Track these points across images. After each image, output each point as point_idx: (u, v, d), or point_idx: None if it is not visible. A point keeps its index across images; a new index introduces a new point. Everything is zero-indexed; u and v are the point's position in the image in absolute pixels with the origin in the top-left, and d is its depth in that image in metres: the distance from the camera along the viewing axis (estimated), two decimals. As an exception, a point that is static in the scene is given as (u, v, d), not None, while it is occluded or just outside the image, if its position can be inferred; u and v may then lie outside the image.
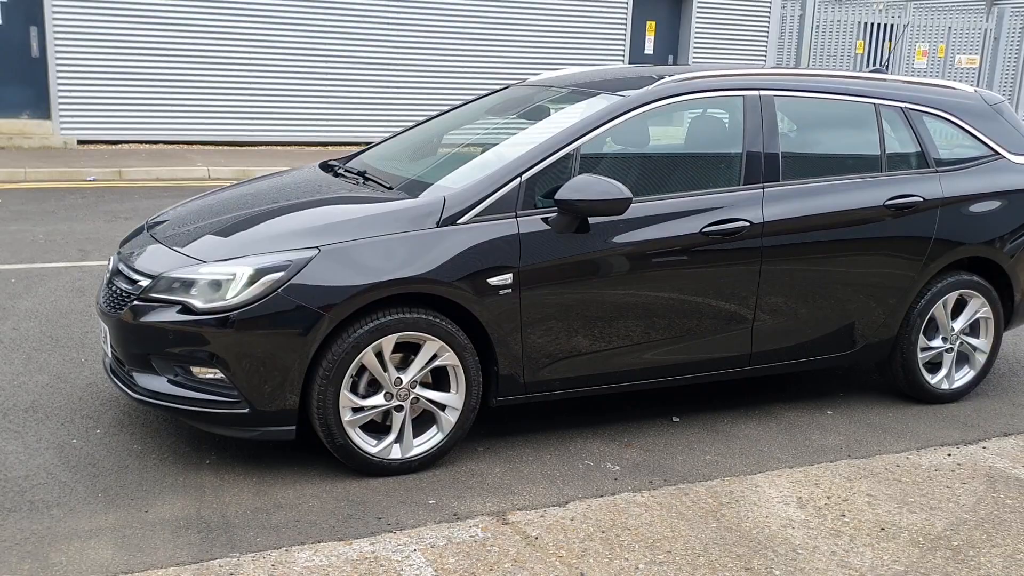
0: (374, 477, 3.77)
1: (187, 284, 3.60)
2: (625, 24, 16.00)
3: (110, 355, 3.95)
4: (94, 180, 10.97)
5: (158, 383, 3.70)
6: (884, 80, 4.91)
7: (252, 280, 3.53)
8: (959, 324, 4.87)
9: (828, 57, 18.33)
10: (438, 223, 3.78)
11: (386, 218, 3.77)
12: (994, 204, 4.85)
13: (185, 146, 13.33)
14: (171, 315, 3.59)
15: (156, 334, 3.62)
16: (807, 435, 4.44)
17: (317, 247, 3.61)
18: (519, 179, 3.92)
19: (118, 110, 12.97)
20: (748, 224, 4.23)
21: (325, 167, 4.75)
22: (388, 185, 4.19)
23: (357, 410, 3.70)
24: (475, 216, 3.83)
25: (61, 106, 12.71)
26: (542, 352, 3.95)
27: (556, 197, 3.85)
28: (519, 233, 3.85)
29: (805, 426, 4.54)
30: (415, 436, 3.84)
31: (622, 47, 16.08)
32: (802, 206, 4.38)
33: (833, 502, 3.74)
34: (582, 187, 3.83)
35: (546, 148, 4.01)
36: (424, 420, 3.88)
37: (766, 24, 17.06)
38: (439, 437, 3.87)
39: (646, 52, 16.64)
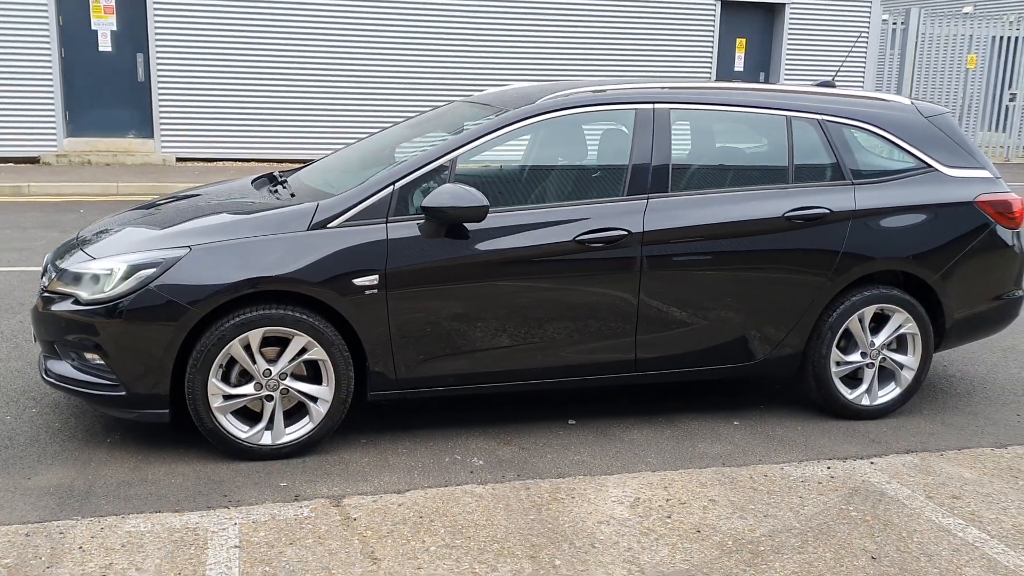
0: (245, 461, 4.09)
1: (78, 278, 4.04)
2: (712, 42, 15.93)
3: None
4: (178, 194, 11.84)
5: (64, 368, 4.14)
6: (801, 92, 4.90)
7: (127, 275, 3.93)
8: (880, 339, 4.79)
9: (935, 73, 17.65)
10: (308, 227, 4.08)
11: (260, 221, 4.11)
12: (918, 218, 4.76)
13: (274, 164, 14.16)
14: (67, 305, 4.03)
15: (57, 322, 4.08)
16: (695, 443, 4.48)
17: (189, 246, 3.99)
18: (392, 187, 4.19)
19: (213, 130, 13.94)
20: (626, 233, 4.34)
21: (269, 178, 5.12)
22: (292, 194, 4.53)
23: (229, 397, 4.04)
24: (345, 221, 4.12)
25: (162, 126, 13.77)
26: (413, 350, 4.19)
27: (421, 204, 4.10)
28: (387, 238, 4.11)
29: (700, 435, 4.58)
30: (288, 425, 4.15)
31: (709, 65, 16.01)
32: (689, 217, 4.45)
33: (669, 504, 3.81)
34: (442, 195, 4.06)
35: (421, 159, 4.27)
36: (300, 410, 4.19)
37: (864, 39, 16.60)
38: (310, 427, 4.16)
39: (736, 69, 16.51)
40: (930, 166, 4.90)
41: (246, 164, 14.06)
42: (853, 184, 4.73)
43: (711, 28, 15.89)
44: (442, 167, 4.27)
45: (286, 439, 4.14)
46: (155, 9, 13.43)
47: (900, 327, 4.80)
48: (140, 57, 13.64)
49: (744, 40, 16.45)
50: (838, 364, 4.77)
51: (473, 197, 4.05)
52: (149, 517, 3.57)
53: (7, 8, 12.99)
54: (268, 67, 14.00)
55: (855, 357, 4.80)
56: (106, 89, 13.63)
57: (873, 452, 4.44)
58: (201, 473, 3.98)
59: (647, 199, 4.43)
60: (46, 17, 13.10)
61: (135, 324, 3.91)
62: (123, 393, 3.99)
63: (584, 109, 4.52)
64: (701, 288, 4.48)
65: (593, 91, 4.59)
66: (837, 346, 4.76)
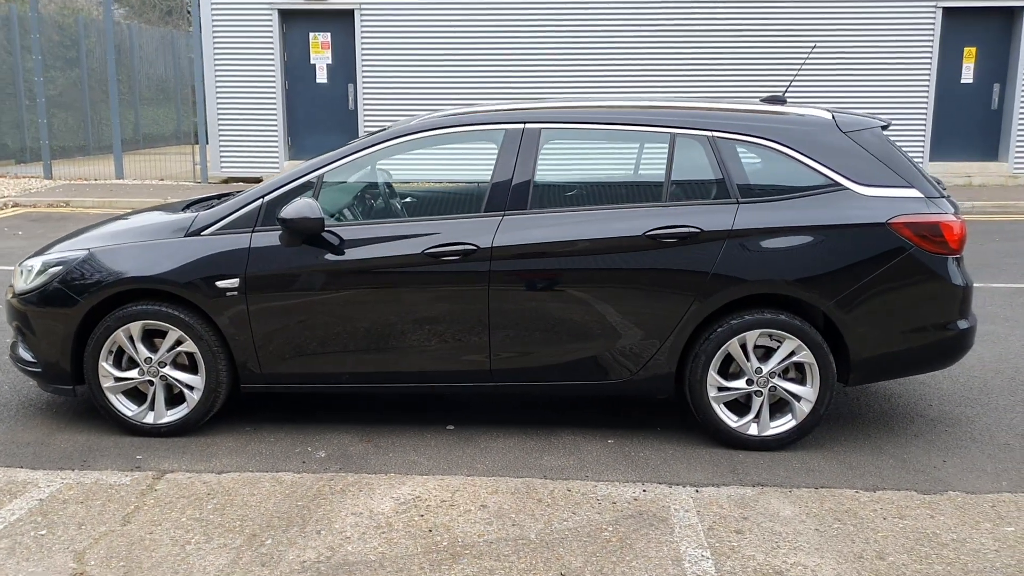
0: (132, 436, 4.75)
1: (17, 273, 4.92)
2: (931, 53, 14.74)
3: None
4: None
5: (23, 351, 5.04)
6: (693, 108, 4.76)
7: (41, 271, 4.75)
8: (769, 366, 4.54)
9: None
10: (185, 234, 4.68)
11: (148, 229, 4.77)
12: (810, 239, 4.47)
13: (464, 183, 15.08)
14: (11, 295, 4.92)
15: (8, 309, 4.98)
16: (543, 455, 4.53)
17: (88, 249, 4.72)
18: (262, 200, 4.68)
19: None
20: (475, 248, 4.50)
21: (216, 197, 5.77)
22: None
23: (119, 380, 4.72)
24: (218, 229, 4.66)
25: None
26: (275, 348, 4.64)
27: (277, 216, 4.56)
28: (250, 246, 4.60)
29: (559, 448, 4.61)
30: (169, 408, 4.76)
31: (927, 77, 14.82)
32: (541, 234, 4.51)
33: (438, 506, 3.96)
34: (291, 208, 4.49)
35: (290, 175, 4.72)
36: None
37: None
38: (186, 411, 4.74)
39: (963, 81, 15.13)
40: (838, 184, 4.57)
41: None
42: (737, 203, 4.54)
43: (930, 38, 14.71)
44: (308, 183, 4.69)
45: (166, 420, 4.74)
46: (363, 44, 14.82)
47: (792, 354, 4.53)
48: (351, 87, 15.10)
49: (974, 49, 15.04)
50: (720, 390, 4.58)
51: (312, 211, 4.44)
52: (7, 472, 4.31)
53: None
54: (458, 95, 14.93)
55: (740, 384, 4.58)
56: (322, 117, 15.23)
57: (715, 482, 4.25)
58: (88, 442, 4.69)
59: (502, 216, 4.57)
60: (273, 54, 14.91)
61: (43, 312, 4.71)
62: (40, 371, 4.80)
63: (454, 129, 4.73)
64: (553, 304, 4.52)
65: (467, 112, 4.80)
66: (723, 371, 4.58)
